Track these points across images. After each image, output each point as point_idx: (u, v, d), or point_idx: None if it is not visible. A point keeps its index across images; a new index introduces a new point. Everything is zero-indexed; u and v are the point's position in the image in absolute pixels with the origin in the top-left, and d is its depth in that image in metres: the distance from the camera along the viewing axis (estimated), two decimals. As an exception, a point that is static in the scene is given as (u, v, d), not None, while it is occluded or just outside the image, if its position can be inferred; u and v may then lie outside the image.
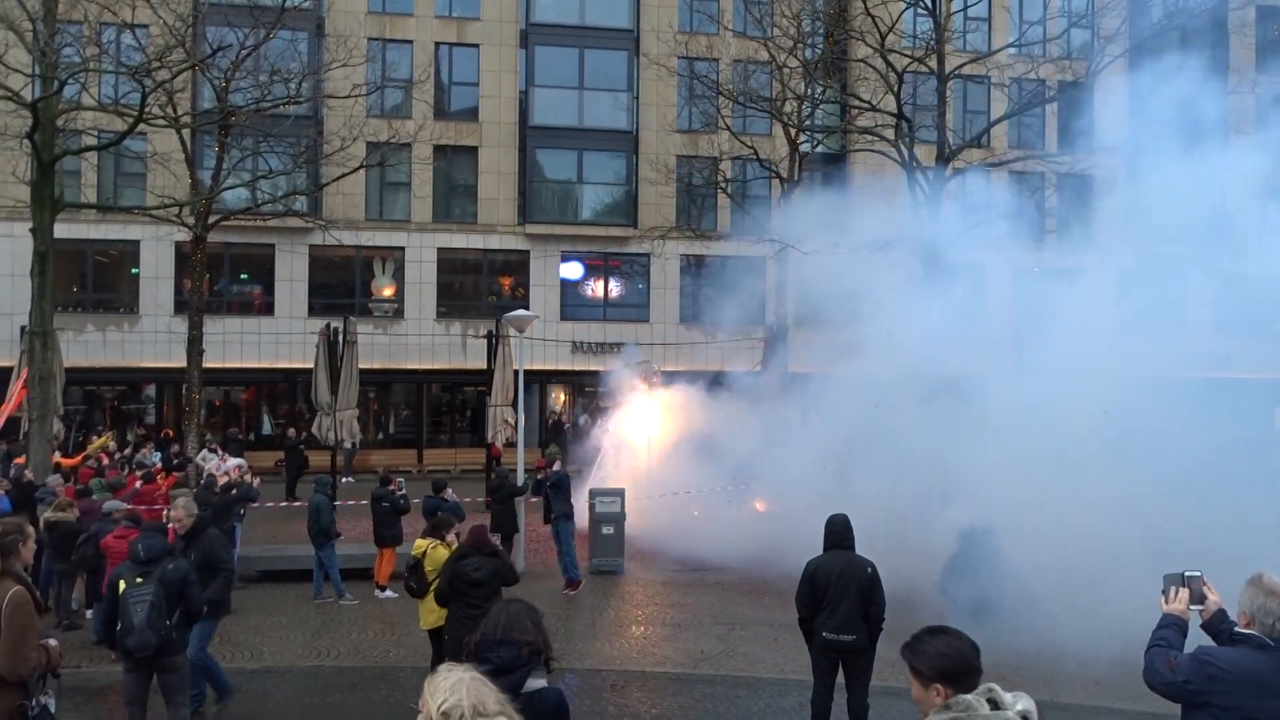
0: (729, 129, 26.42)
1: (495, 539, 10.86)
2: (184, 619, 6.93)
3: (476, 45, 29.17)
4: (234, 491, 13.69)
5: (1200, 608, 4.29)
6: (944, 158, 18.03)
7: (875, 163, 25.63)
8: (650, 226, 28.16)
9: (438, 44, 28.94)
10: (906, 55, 18.84)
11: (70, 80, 17.91)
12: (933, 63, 18.18)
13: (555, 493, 14.71)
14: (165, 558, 6.84)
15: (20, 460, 16.82)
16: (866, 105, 19.09)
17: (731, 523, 16.77)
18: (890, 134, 19.38)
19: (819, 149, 28.49)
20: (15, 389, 20.35)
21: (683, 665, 10.42)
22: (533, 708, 3.63)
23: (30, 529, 5.96)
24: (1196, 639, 4.25)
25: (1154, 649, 4.19)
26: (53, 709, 5.22)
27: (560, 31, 29.24)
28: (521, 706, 3.61)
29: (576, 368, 28.74)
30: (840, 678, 7.67)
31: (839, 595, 7.50)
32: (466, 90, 29.42)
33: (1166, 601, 4.29)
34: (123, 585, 6.69)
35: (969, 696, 2.86)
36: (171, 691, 7.01)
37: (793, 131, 24.51)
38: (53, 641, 5.45)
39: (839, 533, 7.78)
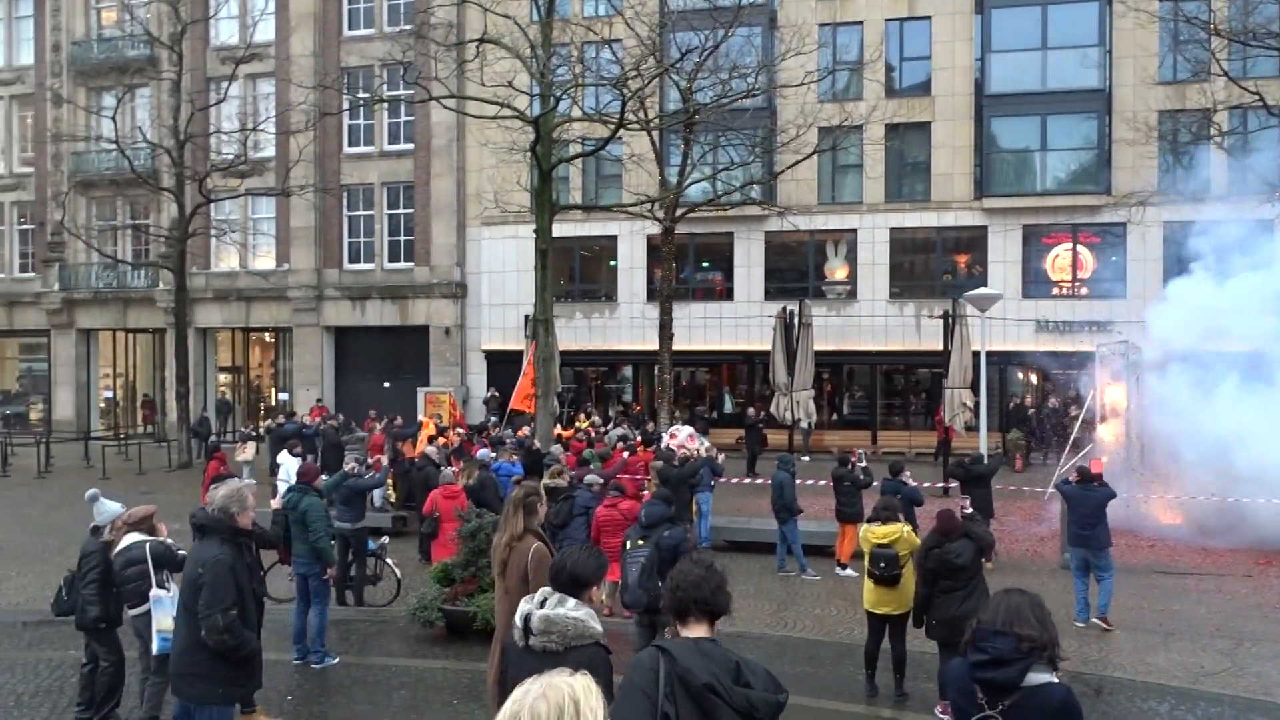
0: (1225, 74, 23.07)
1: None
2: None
3: (928, 17, 28.29)
4: (687, 465, 14.67)
5: None
6: None
7: None
8: (1126, 193, 25.49)
9: (888, 21, 28.52)
10: None
11: (562, 96, 20.27)
12: None
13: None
14: (663, 524, 7.51)
15: (525, 431, 19.42)
16: None
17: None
18: None
19: (1347, 86, 23.91)
20: (525, 370, 23.58)
21: (1178, 679, 9.37)
22: (1034, 702, 3.49)
23: (544, 492, 6.88)
24: None
25: None
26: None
27: (1020, -10, 27.38)
28: (1021, 700, 3.49)
29: (1041, 348, 26.92)
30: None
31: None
32: (918, 65, 28.67)
33: None
34: (628, 545, 7.47)
35: None
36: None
37: (1312, 69, 20.85)
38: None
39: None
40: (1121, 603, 12.47)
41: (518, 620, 3.79)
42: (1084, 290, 27.31)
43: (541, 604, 3.78)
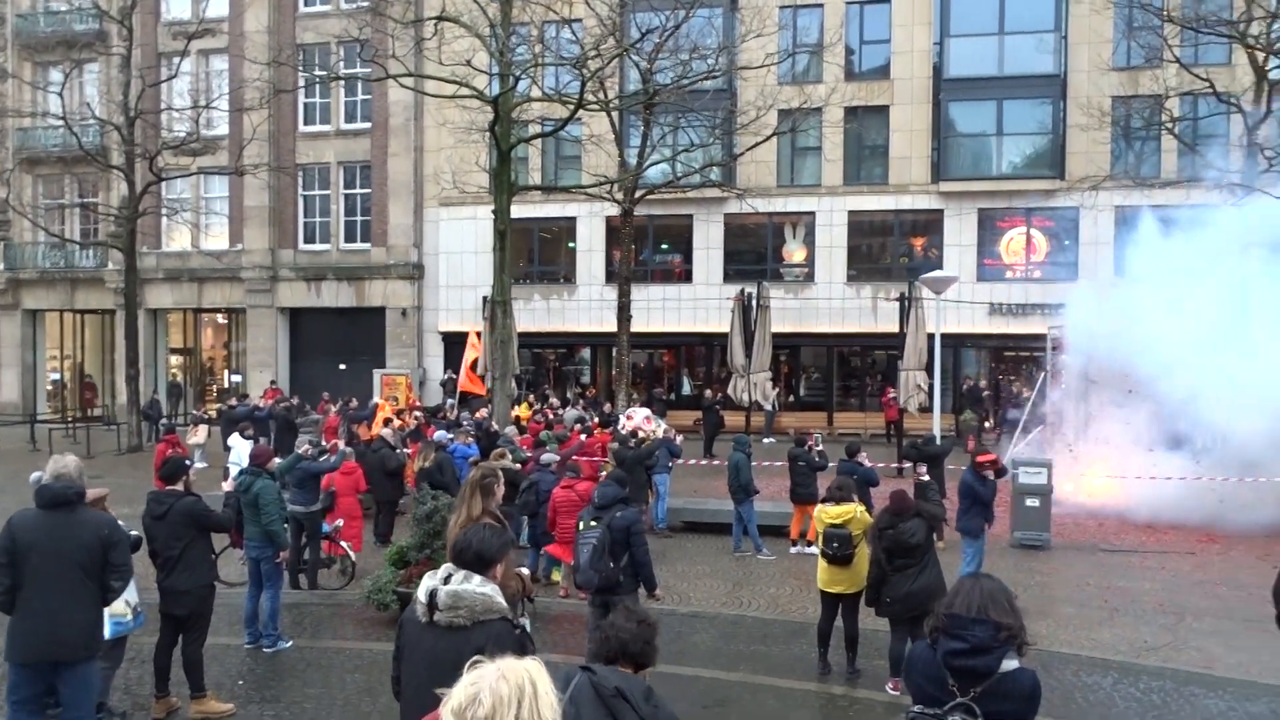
0: (1177, 61, 23.43)
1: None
2: (631, 565, 7.57)
3: (888, 1, 28.38)
4: (643, 446, 14.79)
5: None
6: None
7: (1372, 85, 21.47)
8: (1080, 177, 25.84)
9: (848, 4, 28.56)
10: None
11: (521, 76, 20.09)
12: None
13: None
14: (616, 505, 7.53)
15: (483, 413, 19.31)
16: (1362, 16, 16.02)
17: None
18: (1396, 48, 16.13)
19: (1293, 74, 24.35)
20: (468, 357, 23.54)
21: (1123, 653, 9.59)
22: (1006, 688, 3.54)
23: (501, 474, 6.88)
24: None
25: None
26: (529, 629, 5.96)
27: (978, -25, 27.56)
28: (993, 686, 3.54)
29: (994, 331, 27.29)
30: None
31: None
32: (878, 48, 28.77)
33: None
34: (581, 526, 7.48)
35: None
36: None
37: (1260, 56, 21.20)
38: (525, 570, 6.24)
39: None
40: (1068, 579, 12.76)
41: (421, 596, 3.81)
42: (1037, 274, 27.68)
43: (446, 580, 3.80)
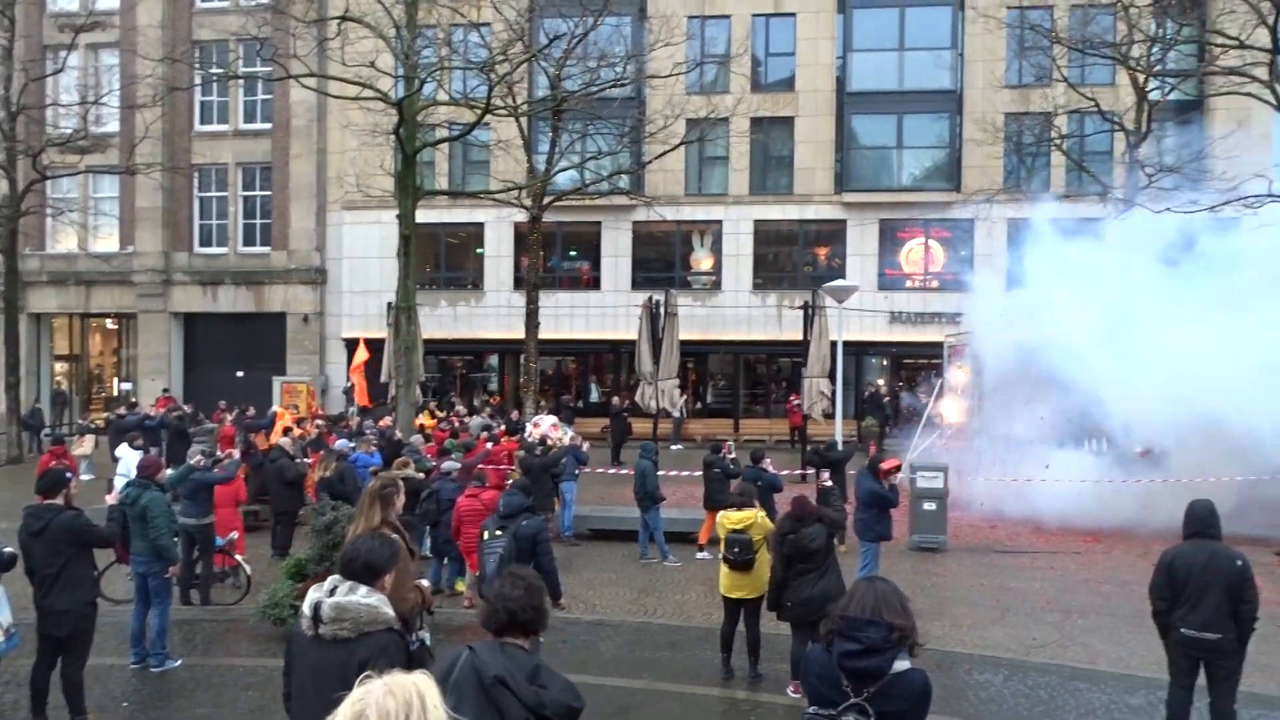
0: (1065, 80, 24.41)
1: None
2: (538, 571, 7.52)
3: (793, 14, 28.91)
4: (550, 454, 14.77)
5: None
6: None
7: (1241, 106, 22.68)
8: (975, 190, 26.69)
9: (755, 16, 28.99)
10: (1286, -20, 16.42)
11: (427, 79, 19.84)
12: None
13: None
14: (521, 514, 7.46)
15: (386, 421, 18.96)
16: (1233, 42, 16.88)
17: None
18: (1262, 73, 17.07)
19: (1171, 96, 25.61)
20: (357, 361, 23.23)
21: (1013, 651, 9.91)
22: (898, 689, 3.60)
23: (401, 483, 6.76)
24: None
25: None
26: (428, 641, 5.86)
27: (879, -8, 28.29)
28: (885, 687, 3.61)
29: (894, 339, 27.97)
30: (1202, 680, 6.95)
31: (1201, 589, 6.77)
32: (783, 60, 29.29)
33: None
34: (485, 535, 7.39)
35: None
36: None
37: (1141, 78, 22.21)
38: (424, 582, 6.13)
39: (1201, 520, 7.01)
40: (962, 581, 13.13)
41: (306, 609, 3.72)
42: (934, 283, 28.47)
43: (331, 592, 3.71)
